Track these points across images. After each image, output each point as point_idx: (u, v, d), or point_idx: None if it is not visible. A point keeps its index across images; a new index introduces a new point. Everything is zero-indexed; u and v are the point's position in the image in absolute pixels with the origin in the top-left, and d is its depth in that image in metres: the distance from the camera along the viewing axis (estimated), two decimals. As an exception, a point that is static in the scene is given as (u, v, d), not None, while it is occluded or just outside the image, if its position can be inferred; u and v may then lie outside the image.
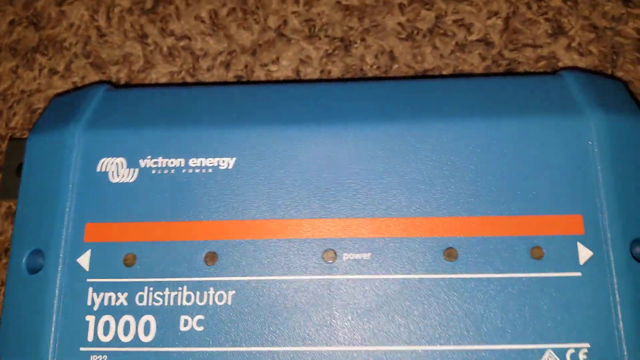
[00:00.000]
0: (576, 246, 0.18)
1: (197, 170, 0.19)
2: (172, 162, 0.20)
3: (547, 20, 0.27)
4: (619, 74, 0.26)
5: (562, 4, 0.27)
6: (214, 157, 0.19)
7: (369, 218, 0.18)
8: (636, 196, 0.18)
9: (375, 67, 0.27)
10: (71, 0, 0.29)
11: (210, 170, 0.19)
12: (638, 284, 0.17)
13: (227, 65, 0.28)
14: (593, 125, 0.18)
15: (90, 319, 0.18)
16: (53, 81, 0.28)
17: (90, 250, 0.19)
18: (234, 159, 0.19)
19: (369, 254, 0.18)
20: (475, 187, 0.18)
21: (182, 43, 0.28)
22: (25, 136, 0.27)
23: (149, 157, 0.20)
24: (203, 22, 0.28)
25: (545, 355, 0.17)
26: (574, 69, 0.22)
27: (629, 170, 0.18)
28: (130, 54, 0.29)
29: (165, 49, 0.28)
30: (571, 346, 0.17)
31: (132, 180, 0.20)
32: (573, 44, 0.26)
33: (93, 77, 0.28)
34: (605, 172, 0.18)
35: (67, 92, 0.25)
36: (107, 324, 0.18)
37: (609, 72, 0.26)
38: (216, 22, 0.28)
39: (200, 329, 0.18)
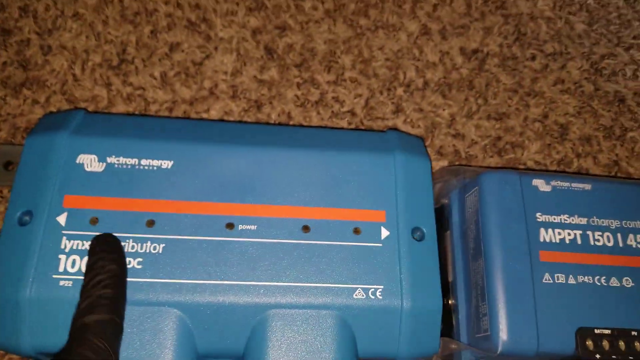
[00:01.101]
0: (380, 228, 0.29)
1: (146, 168, 0.30)
2: (129, 161, 0.30)
3: (392, 103, 0.40)
4: (436, 141, 0.39)
5: (403, 93, 0.40)
6: (158, 159, 0.30)
7: (257, 204, 0.29)
8: (416, 202, 0.30)
9: (277, 122, 0.39)
10: (54, 52, 0.39)
11: (155, 168, 0.30)
12: (413, 253, 0.29)
13: (170, 110, 0.38)
14: (397, 158, 0.31)
15: (62, 257, 0.27)
16: (34, 109, 0.38)
17: (66, 213, 0.28)
18: (172, 161, 0.30)
19: (255, 226, 0.29)
20: (322, 191, 0.30)
21: (138, 92, 0.39)
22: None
23: (113, 156, 0.30)
24: (155, 79, 0.39)
25: (357, 292, 0.28)
26: (393, 129, 0.35)
27: (414, 185, 0.30)
28: (97, 95, 0.39)
29: (125, 94, 0.39)
30: (372, 287, 0.28)
31: (100, 170, 0.29)
32: (407, 119, 0.40)
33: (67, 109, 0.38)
34: (400, 186, 0.30)
35: (54, 112, 0.34)
36: (74, 261, 0.27)
37: (430, 139, 0.39)
38: (165, 80, 0.39)
39: (139, 267, 0.27)
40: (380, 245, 0.29)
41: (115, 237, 0.27)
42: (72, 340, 0.23)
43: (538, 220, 0.30)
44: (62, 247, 0.27)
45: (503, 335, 0.28)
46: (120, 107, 0.38)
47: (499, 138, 0.40)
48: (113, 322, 0.24)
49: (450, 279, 0.33)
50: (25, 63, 0.39)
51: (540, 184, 0.31)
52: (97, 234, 0.28)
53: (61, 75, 0.39)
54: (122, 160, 0.30)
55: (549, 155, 0.40)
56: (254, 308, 0.27)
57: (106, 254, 0.26)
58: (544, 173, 0.33)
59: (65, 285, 0.27)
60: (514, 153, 0.39)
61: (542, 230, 0.30)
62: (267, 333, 0.27)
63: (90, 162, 0.29)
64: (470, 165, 0.37)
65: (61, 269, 0.27)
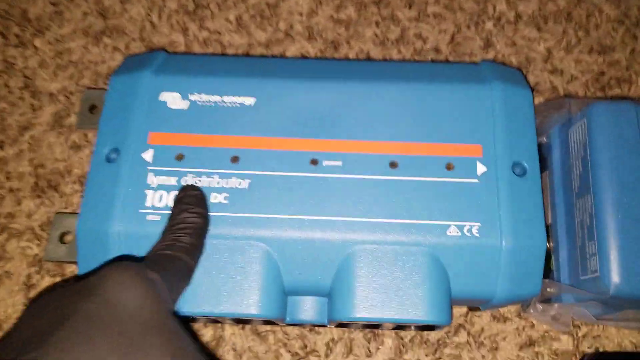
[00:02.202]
0: (476, 164, 0.27)
1: (229, 105, 0.29)
2: (212, 98, 0.29)
3: (481, 38, 0.37)
4: (530, 77, 0.36)
5: (492, 27, 0.37)
6: (240, 96, 0.29)
7: (342, 140, 0.28)
8: (516, 135, 0.28)
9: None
10: (132, 0, 0.39)
11: (238, 105, 0.29)
12: (513, 189, 0.27)
13: (247, 54, 0.38)
14: (494, 89, 0.28)
15: (149, 192, 0.27)
16: (115, 56, 0.38)
17: (152, 149, 0.28)
18: (254, 99, 0.29)
19: (341, 162, 0.27)
20: (410, 125, 0.28)
21: (214, 36, 0.38)
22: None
23: (196, 93, 0.29)
24: (230, 22, 0.38)
25: (450, 228, 0.26)
26: (488, 60, 0.32)
27: (514, 118, 0.28)
28: (175, 41, 0.38)
29: (201, 39, 0.38)
30: (468, 224, 0.26)
31: (184, 107, 0.29)
32: (498, 55, 0.37)
33: (148, 52, 0.38)
34: (498, 119, 0.28)
35: (136, 54, 0.34)
36: (161, 196, 0.27)
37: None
38: (240, 23, 0.38)
39: (226, 202, 0.27)
40: (477, 181, 0.27)
41: (201, 190, 0.27)
42: (146, 260, 0.23)
43: (656, 152, 0.27)
44: (149, 182, 0.27)
45: (615, 276, 0.25)
46: (198, 52, 0.38)
47: (602, 73, 0.36)
48: (186, 261, 0.24)
49: (548, 221, 0.30)
50: (104, 12, 0.39)
51: (658, 114, 0.27)
52: (182, 169, 0.27)
53: (139, 22, 0.39)
54: (204, 97, 0.29)
55: (659, 90, 0.36)
56: (340, 244, 0.26)
57: (192, 206, 0.26)
58: (660, 105, 0.29)
59: (153, 219, 0.26)
60: (620, 89, 0.36)
61: (661, 164, 0.27)
62: (355, 270, 0.26)
63: (173, 100, 0.29)
64: (574, 96, 0.34)
65: (148, 204, 0.27)
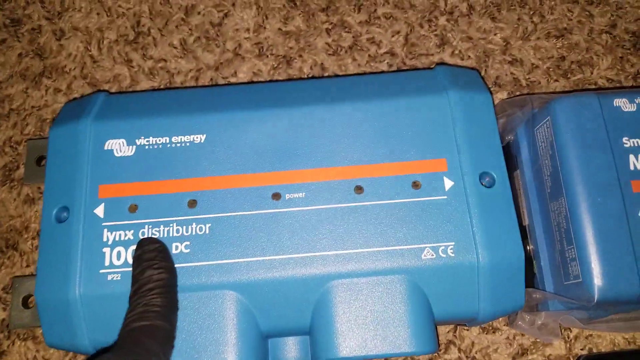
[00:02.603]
0: (442, 179, 0.26)
1: (178, 145, 0.27)
2: (159, 140, 0.27)
3: (435, 35, 0.36)
4: (490, 71, 0.35)
5: (446, 22, 0.36)
6: (189, 134, 0.27)
7: (303, 169, 0.26)
8: (480, 143, 0.26)
9: (310, 76, 0.36)
10: (68, 35, 0.37)
11: (188, 144, 0.27)
12: (484, 202, 0.26)
13: (196, 79, 0.36)
14: (450, 96, 0.27)
15: (106, 250, 0.25)
16: (58, 98, 0.36)
17: (103, 203, 0.26)
18: (204, 135, 0.27)
19: (304, 193, 0.26)
20: (372, 146, 0.27)
21: (160, 65, 0.36)
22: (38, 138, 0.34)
23: (142, 137, 0.27)
24: (175, 48, 0.37)
25: (425, 251, 0.25)
26: (442, 64, 0.31)
27: (475, 125, 0.27)
28: (119, 74, 0.36)
29: (146, 69, 0.36)
30: (442, 244, 0.25)
31: (131, 154, 0.27)
32: (455, 51, 0.35)
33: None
34: (459, 129, 0.27)
35: (74, 99, 0.32)
36: (119, 252, 0.25)
37: (483, 70, 0.35)
38: (185, 48, 0.36)
39: (187, 251, 0.25)
40: (445, 197, 0.26)
41: (160, 241, 0.25)
42: (122, 341, 0.21)
43: (625, 145, 0.26)
44: (105, 239, 0.26)
45: (598, 280, 0.24)
46: (145, 84, 0.36)
47: (562, 58, 0.35)
48: (164, 328, 0.22)
49: (525, 222, 0.29)
50: (40, 51, 0.37)
51: (623, 103, 0.27)
52: (138, 221, 0.26)
53: (79, 59, 0.37)
54: (152, 140, 0.27)
55: (622, 70, 0.35)
56: (314, 280, 0.25)
57: (154, 262, 0.24)
58: (623, 90, 0.28)
59: (114, 279, 0.25)
60: (582, 73, 0.35)
61: (632, 157, 0.26)
62: (332, 306, 0.25)
63: (119, 147, 0.27)
64: (536, 93, 0.33)
65: (107, 263, 0.25)
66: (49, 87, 0.36)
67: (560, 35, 0.36)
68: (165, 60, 0.36)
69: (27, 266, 0.32)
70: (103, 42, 0.37)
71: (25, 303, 0.28)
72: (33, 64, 0.37)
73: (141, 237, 0.25)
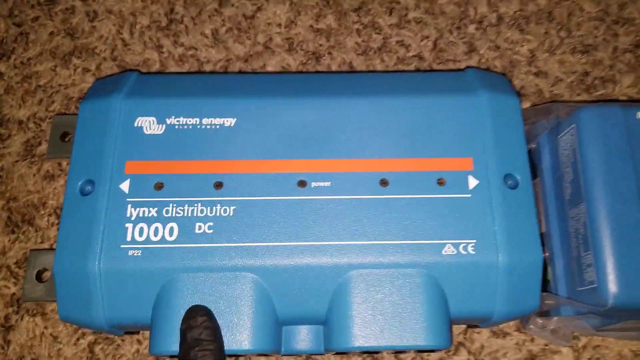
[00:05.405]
0: (467, 177, 0.26)
1: (208, 127, 0.27)
2: (190, 121, 0.28)
3: (464, 42, 0.36)
4: (515, 81, 0.36)
5: (475, 31, 0.37)
6: (220, 117, 0.28)
7: (330, 159, 0.27)
8: (506, 146, 0.27)
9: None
10: (101, 17, 0.38)
11: (217, 127, 0.28)
12: (507, 203, 0.26)
13: (225, 69, 0.36)
14: (481, 98, 0.27)
15: (129, 225, 0.26)
16: (86, 78, 0.36)
17: (129, 179, 0.26)
18: (235, 119, 0.28)
19: (329, 182, 0.26)
20: (399, 141, 0.27)
21: (190, 52, 0.37)
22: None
23: (172, 116, 0.28)
24: (206, 37, 0.37)
25: (446, 247, 0.25)
26: (473, 67, 0.32)
27: (503, 128, 0.27)
28: (148, 58, 0.37)
29: (176, 56, 0.37)
30: (463, 242, 0.25)
31: (161, 132, 0.27)
32: (482, 60, 0.36)
33: (121, 73, 0.36)
34: (487, 130, 0.27)
35: (106, 77, 0.32)
36: (141, 229, 0.26)
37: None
38: (217, 38, 0.37)
39: (211, 231, 0.25)
40: (469, 195, 0.26)
41: (209, 313, 0.24)
42: None
43: (648, 157, 0.26)
44: (128, 215, 0.26)
45: (612, 286, 0.24)
46: (173, 70, 0.36)
47: (586, 73, 0.35)
48: None
49: (542, 229, 0.30)
50: (72, 31, 0.37)
51: (647, 116, 0.27)
52: (163, 199, 0.26)
53: (110, 41, 0.37)
54: (182, 120, 0.28)
55: (644, 88, 0.35)
56: (334, 269, 0.25)
57: (204, 342, 0.23)
58: (648, 105, 0.29)
59: (135, 254, 0.25)
60: (604, 89, 0.35)
61: (654, 168, 0.26)
62: (350, 296, 0.25)
63: (149, 125, 0.28)
64: (561, 101, 0.33)
65: (129, 238, 0.25)
66: (77, 67, 0.37)
67: (585, 51, 0.36)
68: (195, 49, 0.37)
69: (42, 242, 0.32)
70: (135, 26, 0.37)
71: (39, 277, 0.28)
72: (64, 42, 0.37)
73: (164, 215, 0.26)
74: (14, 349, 0.30)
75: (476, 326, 0.28)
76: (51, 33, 0.38)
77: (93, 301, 0.25)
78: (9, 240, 0.32)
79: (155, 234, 0.25)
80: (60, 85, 0.36)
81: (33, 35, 0.37)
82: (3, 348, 0.30)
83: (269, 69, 0.36)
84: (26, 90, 0.36)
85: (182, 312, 0.24)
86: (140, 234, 0.26)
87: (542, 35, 0.36)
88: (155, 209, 0.26)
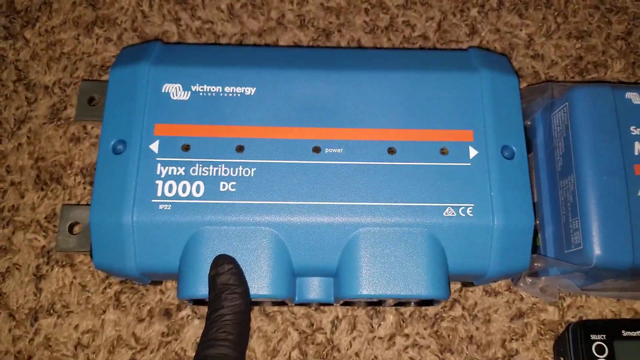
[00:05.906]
0: (468, 148, 0.29)
1: (230, 94, 0.30)
2: (213, 88, 0.30)
3: (466, 24, 0.39)
4: (514, 63, 0.38)
5: (477, 14, 0.39)
6: (241, 86, 0.30)
7: (342, 128, 0.29)
8: (504, 120, 0.29)
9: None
10: (122, -10, 0.39)
11: (238, 95, 0.30)
12: (503, 171, 0.29)
13: (240, 43, 0.38)
14: (483, 75, 0.30)
15: (159, 182, 0.28)
16: (108, 47, 0.38)
17: (158, 140, 0.29)
18: (254, 88, 0.30)
19: (342, 149, 0.29)
20: (407, 113, 0.29)
21: (207, 26, 0.39)
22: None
23: (197, 84, 0.30)
24: (222, 12, 0.39)
25: (447, 210, 0.28)
26: (475, 47, 0.34)
27: (502, 104, 0.30)
28: (167, 30, 0.39)
29: (194, 29, 0.39)
30: (463, 205, 0.28)
31: (186, 98, 0.30)
32: (483, 41, 0.38)
33: (142, 43, 0.38)
34: (487, 105, 0.29)
35: (132, 45, 0.34)
36: (170, 185, 0.28)
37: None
38: (232, 12, 0.39)
39: (234, 190, 0.28)
40: (469, 164, 0.29)
41: (233, 260, 0.26)
42: None
43: (632, 133, 0.29)
44: (158, 173, 0.28)
45: (596, 248, 0.27)
46: (191, 42, 0.38)
47: (580, 58, 0.38)
48: (234, 357, 0.24)
49: (534, 199, 0.32)
50: (94, 2, 0.39)
51: (633, 96, 0.30)
52: (190, 159, 0.28)
53: (130, 12, 0.39)
54: (206, 87, 0.30)
55: (633, 74, 0.38)
56: (345, 227, 0.28)
57: (230, 287, 0.25)
58: (635, 86, 0.31)
59: (165, 208, 0.27)
60: (597, 72, 0.38)
61: (637, 144, 0.29)
62: (359, 251, 0.27)
63: (175, 91, 0.30)
64: (556, 81, 0.36)
65: (159, 194, 0.28)
66: (100, 36, 0.38)
67: (580, 36, 0.38)
68: (212, 22, 0.39)
69: (70, 199, 0.35)
70: (155, -1, 0.39)
71: (71, 230, 0.31)
72: (86, 12, 0.39)
73: (191, 174, 0.28)
74: (45, 296, 0.32)
75: (471, 284, 0.31)
76: (74, 3, 0.39)
77: (126, 250, 0.27)
78: (39, 197, 0.34)
79: (184, 191, 0.28)
80: (83, 53, 0.38)
81: (56, 5, 0.39)
82: (36, 295, 0.32)
83: (282, 44, 0.38)
84: (51, 57, 0.38)
85: (208, 261, 0.27)
86: (170, 190, 0.28)
87: (540, 20, 0.39)
88: (183, 168, 0.28)
